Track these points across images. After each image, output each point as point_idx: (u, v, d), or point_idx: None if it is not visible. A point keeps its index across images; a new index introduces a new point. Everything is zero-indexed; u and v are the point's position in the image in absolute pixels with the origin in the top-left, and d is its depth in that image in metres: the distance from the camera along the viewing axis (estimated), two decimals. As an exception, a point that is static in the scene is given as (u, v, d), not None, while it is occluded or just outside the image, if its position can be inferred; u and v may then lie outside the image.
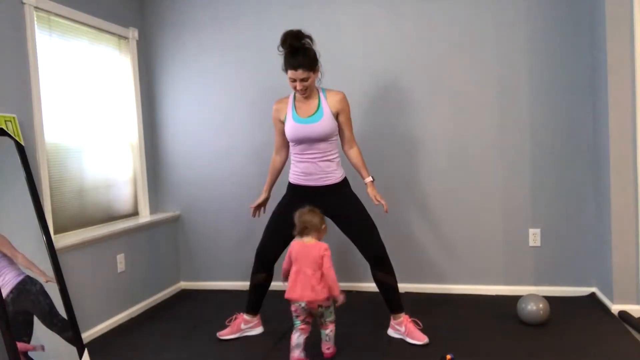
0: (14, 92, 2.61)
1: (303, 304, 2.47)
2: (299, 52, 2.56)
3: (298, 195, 2.77)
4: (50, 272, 2.51)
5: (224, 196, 3.80)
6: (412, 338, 2.63)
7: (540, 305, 2.76)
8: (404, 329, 2.67)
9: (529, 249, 3.35)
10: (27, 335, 2.29)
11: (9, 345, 2.15)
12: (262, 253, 2.81)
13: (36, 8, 2.78)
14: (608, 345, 2.49)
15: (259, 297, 2.85)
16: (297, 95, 2.69)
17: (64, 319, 2.49)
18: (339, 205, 2.73)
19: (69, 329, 2.50)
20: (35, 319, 2.35)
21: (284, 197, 2.85)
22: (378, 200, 2.70)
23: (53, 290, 2.49)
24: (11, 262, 2.33)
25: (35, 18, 2.77)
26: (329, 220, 2.69)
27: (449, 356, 2.37)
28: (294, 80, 2.59)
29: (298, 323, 2.52)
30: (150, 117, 3.87)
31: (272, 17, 3.62)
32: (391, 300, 2.71)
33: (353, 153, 2.79)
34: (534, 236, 3.33)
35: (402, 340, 2.67)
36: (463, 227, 3.42)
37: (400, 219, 3.49)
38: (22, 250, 2.41)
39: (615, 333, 2.65)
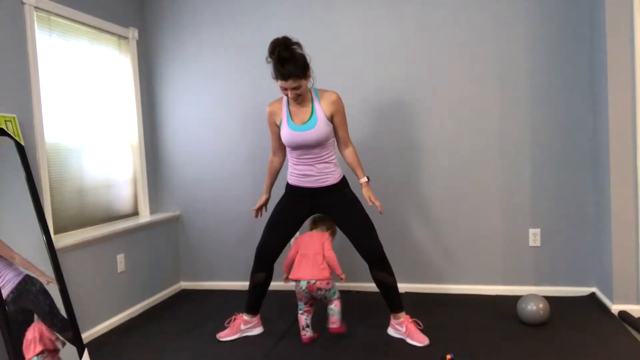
0: (14, 92, 2.61)
1: (304, 287, 2.67)
2: (287, 61, 2.49)
3: (296, 195, 2.78)
4: (50, 272, 2.51)
5: (224, 196, 3.80)
6: (413, 339, 2.63)
7: (540, 305, 2.76)
8: (404, 329, 2.67)
9: (529, 249, 3.35)
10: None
11: (9, 346, 2.15)
12: (262, 253, 2.81)
13: (36, 8, 2.78)
14: (608, 345, 2.49)
15: (258, 297, 2.85)
16: (290, 101, 2.68)
17: (64, 318, 2.49)
18: (337, 205, 2.73)
19: (69, 329, 2.50)
20: (35, 319, 2.35)
21: (283, 197, 2.86)
22: (372, 202, 2.69)
23: (53, 290, 2.49)
24: (10, 262, 2.33)
25: (35, 18, 2.77)
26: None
27: (449, 356, 2.37)
28: (285, 89, 2.57)
29: (302, 305, 2.75)
30: (150, 117, 3.87)
31: (272, 17, 3.62)
32: (391, 299, 2.71)
33: (348, 153, 2.77)
34: (534, 236, 3.33)
35: (402, 340, 2.67)
36: (463, 227, 3.42)
37: (401, 219, 3.49)
38: (22, 250, 2.42)
39: (615, 333, 2.65)
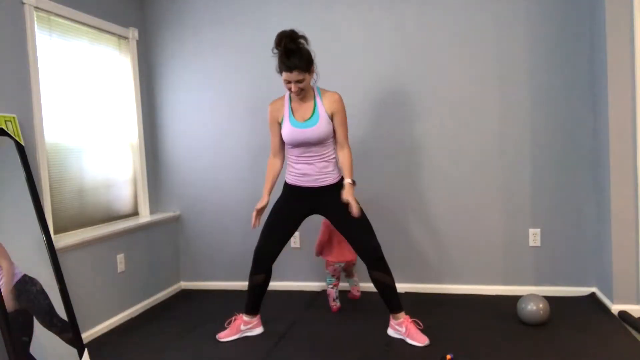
0: (14, 92, 2.61)
1: (343, 264, 3.18)
2: (293, 53, 2.52)
3: (295, 195, 2.78)
4: (50, 272, 2.51)
5: (224, 196, 3.80)
6: (413, 339, 2.63)
7: (540, 305, 2.76)
8: (404, 329, 2.67)
9: (529, 249, 3.35)
10: (27, 335, 2.29)
11: (9, 346, 2.15)
12: (260, 255, 2.79)
13: (36, 8, 2.78)
14: (608, 345, 2.49)
15: (257, 298, 2.85)
16: (292, 95, 2.68)
17: (63, 319, 2.49)
18: (335, 205, 2.72)
19: (68, 329, 2.50)
20: (35, 320, 2.35)
21: (281, 197, 2.85)
22: (350, 202, 2.59)
23: (53, 291, 2.49)
24: (9, 261, 2.32)
25: (35, 18, 2.77)
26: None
27: (449, 356, 2.37)
28: (289, 82, 2.58)
29: (332, 280, 3.20)
30: (150, 117, 3.87)
31: (272, 17, 3.62)
32: (390, 300, 2.71)
33: (343, 155, 2.73)
34: (534, 236, 3.33)
35: (402, 341, 2.67)
36: (463, 227, 3.42)
37: (400, 219, 3.49)
38: (22, 250, 2.42)
39: (615, 333, 2.65)
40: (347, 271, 3.29)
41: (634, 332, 2.65)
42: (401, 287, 3.39)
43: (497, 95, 3.32)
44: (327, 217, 2.80)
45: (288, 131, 2.66)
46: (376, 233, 2.75)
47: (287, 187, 2.83)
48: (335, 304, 3.19)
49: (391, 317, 2.74)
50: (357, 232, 2.70)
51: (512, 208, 3.35)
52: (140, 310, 3.41)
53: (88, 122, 3.23)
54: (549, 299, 2.92)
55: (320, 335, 2.81)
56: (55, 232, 2.87)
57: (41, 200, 2.63)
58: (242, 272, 3.62)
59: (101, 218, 3.32)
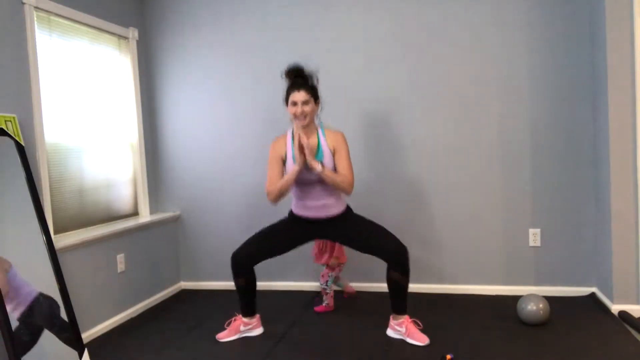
0: (14, 92, 2.61)
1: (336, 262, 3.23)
2: (302, 76, 2.68)
3: (301, 223, 2.81)
4: (50, 272, 2.51)
5: (224, 196, 3.80)
6: (413, 339, 2.63)
7: (540, 305, 2.76)
8: (404, 329, 2.67)
9: (529, 249, 3.35)
10: (32, 341, 2.30)
11: (9, 346, 2.15)
12: (237, 258, 2.77)
13: (36, 8, 2.78)
14: (608, 345, 2.49)
15: (248, 300, 2.84)
16: (295, 129, 2.70)
17: (63, 320, 2.49)
18: (343, 229, 2.76)
19: (68, 330, 2.50)
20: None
21: (286, 220, 2.88)
22: (310, 163, 2.54)
23: (53, 291, 2.49)
24: (22, 280, 2.32)
25: (35, 18, 2.77)
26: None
27: (449, 356, 2.37)
28: (295, 104, 2.61)
29: (332, 275, 3.24)
30: (150, 117, 3.87)
31: (272, 16, 3.62)
32: (398, 301, 2.70)
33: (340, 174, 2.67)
34: (534, 236, 3.33)
35: (401, 341, 2.67)
36: (463, 227, 3.42)
37: (400, 219, 3.48)
38: (22, 250, 2.42)
39: (615, 333, 2.65)
40: (336, 276, 3.25)
41: (634, 332, 2.65)
42: (401, 287, 3.39)
43: (497, 95, 3.32)
44: (337, 242, 2.82)
45: (291, 171, 2.65)
46: (376, 233, 2.75)
47: (293, 215, 2.85)
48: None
49: (391, 317, 2.74)
50: (373, 238, 2.69)
51: (512, 208, 3.35)
52: (140, 310, 3.41)
53: (88, 122, 3.23)
54: (549, 299, 2.92)
55: (320, 335, 2.81)
56: (55, 232, 2.86)
57: (41, 200, 2.63)
58: (242, 272, 3.61)
59: (101, 218, 3.32)
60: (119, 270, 3.25)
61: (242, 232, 3.74)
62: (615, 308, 2.92)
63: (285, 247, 2.87)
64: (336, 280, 3.29)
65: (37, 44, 2.76)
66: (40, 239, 2.52)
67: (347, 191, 2.68)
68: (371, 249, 2.70)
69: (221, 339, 2.82)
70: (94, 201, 3.26)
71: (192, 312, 3.35)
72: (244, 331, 2.86)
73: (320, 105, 2.76)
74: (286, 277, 3.68)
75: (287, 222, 2.87)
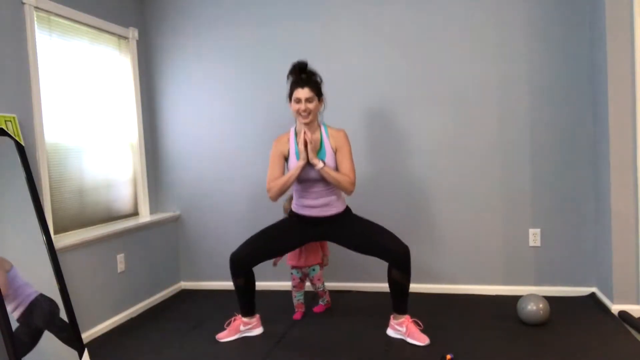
0: (14, 92, 2.61)
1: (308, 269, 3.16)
2: (306, 73, 2.66)
3: (301, 222, 2.80)
4: (50, 272, 2.51)
5: (223, 196, 3.80)
6: (413, 338, 2.63)
7: (540, 305, 2.76)
8: (404, 329, 2.67)
9: (529, 249, 3.35)
10: (32, 343, 2.29)
11: (9, 346, 2.15)
12: (235, 258, 2.77)
13: (36, 8, 2.78)
14: (608, 345, 2.49)
15: (247, 300, 2.84)
16: (298, 127, 2.70)
17: (63, 320, 2.49)
18: (343, 229, 2.76)
19: (68, 330, 2.50)
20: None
21: (286, 220, 2.89)
22: (312, 158, 2.57)
23: (53, 291, 2.49)
24: (22, 281, 2.32)
25: (35, 18, 2.77)
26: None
27: (449, 356, 2.37)
28: (299, 101, 2.61)
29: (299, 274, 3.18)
30: (150, 117, 3.87)
31: (272, 16, 3.62)
32: (399, 300, 2.70)
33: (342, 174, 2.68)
34: (534, 236, 3.33)
35: (402, 341, 2.67)
36: (463, 227, 3.42)
37: (400, 219, 3.48)
38: (22, 250, 2.42)
39: (615, 333, 2.65)
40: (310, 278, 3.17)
41: (634, 332, 2.65)
42: (401, 287, 3.39)
43: (497, 95, 3.32)
44: (336, 242, 2.82)
45: (295, 166, 2.66)
46: (376, 233, 2.75)
47: (293, 214, 2.85)
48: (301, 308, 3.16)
49: (392, 317, 2.74)
50: (375, 240, 2.69)
51: (512, 208, 3.35)
52: (140, 310, 3.41)
53: (88, 122, 3.23)
54: (549, 299, 2.92)
55: (321, 335, 2.81)
56: (55, 232, 2.86)
57: (41, 200, 2.63)
58: (242, 272, 3.61)
59: (101, 218, 3.32)
60: (119, 270, 3.25)
61: (242, 232, 3.74)
62: (615, 308, 2.92)
63: (284, 248, 2.88)
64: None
65: (37, 44, 2.76)
66: (40, 239, 2.52)
67: (348, 190, 2.67)
68: (372, 249, 2.70)
69: (221, 339, 2.82)
70: (94, 201, 3.26)
71: (192, 312, 3.35)
72: (244, 331, 2.86)
73: (323, 103, 2.75)
74: (286, 277, 3.68)
75: (287, 223, 2.87)
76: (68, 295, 2.54)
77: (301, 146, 2.58)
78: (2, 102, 2.54)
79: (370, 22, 3.47)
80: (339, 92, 3.49)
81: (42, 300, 2.39)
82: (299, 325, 2.98)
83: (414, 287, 3.48)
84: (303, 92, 2.61)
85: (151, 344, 2.82)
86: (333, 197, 2.74)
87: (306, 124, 2.66)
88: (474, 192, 3.39)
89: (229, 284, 3.81)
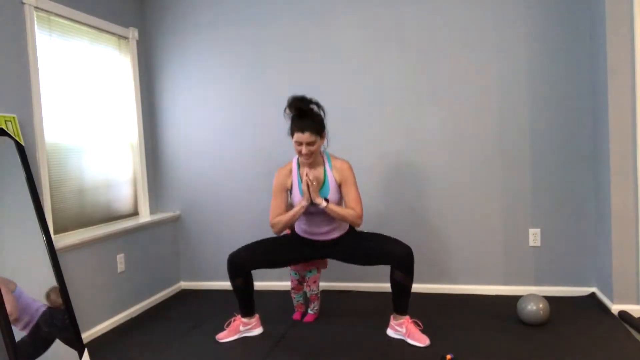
0: (14, 92, 2.61)
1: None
2: (306, 115, 2.57)
3: (304, 242, 2.82)
4: (50, 272, 2.51)
5: (224, 196, 3.80)
6: (413, 339, 2.63)
7: (540, 305, 2.76)
8: (404, 329, 2.67)
9: (529, 249, 3.35)
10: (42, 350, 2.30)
11: (9, 346, 2.15)
12: (234, 260, 2.76)
13: (36, 8, 2.78)
14: (608, 345, 2.49)
15: (246, 300, 2.84)
16: (301, 160, 2.68)
17: (63, 320, 2.49)
18: (345, 248, 2.77)
19: (68, 330, 2.50)
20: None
21: (289, 236, 2.89)
22: (315, 199, 2.55)
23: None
24: (28, 298, 2.32)
25: (35, 18, 2.77)
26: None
27: (449, 356, 2.37)
28: (300, 144, 2.58)
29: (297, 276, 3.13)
30: (150, 117, 3.87)
31: (272, 16, 3.62)
32: (400, 301, 2.69)
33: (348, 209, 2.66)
34: (534, 236, 3.33)
35: (401, 341, 2.67)
36: (463, 227, 3.42)
37: (400, 219, 3.48)
38: (22, 250, 2.42)
39: (615, 333, 2.65)
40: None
41: (634, 332, 2.65)
42: (401, 287, 3.38)
43: (497, 96, 3.32)
44: (341, 260, 2.82)
45: (299, 201, 2.65)
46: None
47: (297, 235, 2.86)
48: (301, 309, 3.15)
49: (392, 317, 2.74)
50: (378, 248, 2.68)
51: (512, 208, 3.35)
52: (140, 310, 3.41)
53: (88, 122, 3.23)
54: (549, 299, 2.92)
55: (321, 335, 2.81)
56: (55, 232, 2.86)
57: (41, 200, 2.63)
58: (242, 272, 3.61)
59: (101, 218, 3.32)
60: (119, 270, 3.25)
61: (241, 232, 3.75)
62: (615, 308, 2.92)
63: (282, 261, 2.89)
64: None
65: (37, 44, 2.76)
66: (40, 239, 2.52)
67: (356, 224, 2.66)
68: (377, 259, 2.69)
69: (221, 339, 2.82)
70: (94, 201, 3.26)
71: (192, 312, 3.35)
72: (244, 331, 2.86)
73: (326, 138, 2.68)
74: (286, 277, 3.68)
75: (290, 240, 2.88)
76: (68, 295, 2.54)
77: (304, 186, 2.56)
78: (2, 102, 2.54)
79: (370, 22, 3.47)
80: (338, 91, 3.49)
81: (50, 313, 2.39)
82: (299, 326, 2.98)
83: (415, 287, 3.47)
84: (304, 137, 2.55)
85: (151, 344, 2.82)
86: (335, 225, 2.74)
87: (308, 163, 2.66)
88: (474, 192, 3.39)
89: (229, 284, 3.81)
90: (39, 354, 2.28)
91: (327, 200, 2.60)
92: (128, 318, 3.28)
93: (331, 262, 3.41)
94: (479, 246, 3.41)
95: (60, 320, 2.44)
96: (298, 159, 2.73)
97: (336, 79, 3.48)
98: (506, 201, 3.36)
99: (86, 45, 3.23)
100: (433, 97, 3.41)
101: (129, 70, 3.66)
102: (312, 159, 2.64)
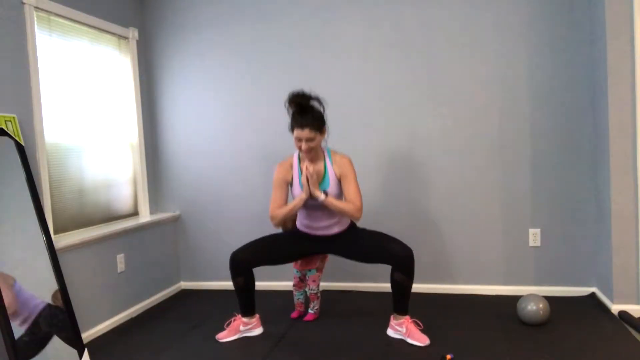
0: (14, 92, 2.61)
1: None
2: (306, 111, 2.58)
3: (305, 238, 2.83)
4: (50, 272, 2.51)
5: (224, 196, 3.80)
6: (413, 339, 2.63)
7: (540, 305, 2.76)
8: (404, 329, 2.67)
9: (529, 249, 3.35)
10: (39, 348, 2.30)
11: (9, 346, 2.15)
12: (236, 258, 2.76)
13: (36, 8, 2.78)
14: (608, 345, 2.49)
15: (247, 300, 2.83)
16: (301, 155, 2.69)
17: (63, 320, 2.49)
18: (346, 244, 2.77)
19: (68, 330, 2.50)
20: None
21: (290, 232, 2.89)
22: (314, 192, 2.56)
23: (53, 291, 2.48)
24: (27, 293, 2.32)
25: (35, 18, 2.77)
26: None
27: (449, 356, 2.37)
28: (300, 140, 2.58)
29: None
30: (150, 117, 3.87)
31: (272, 16, 3.62)
32: (401, 301, 2.69)
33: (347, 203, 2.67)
34: (534, 236, 3.33)
35: (402, 341, 2.67)
36: (463, 227, 3.42)
37: (400, 220, 3.48)
38: (22, 250, 2.42)
39: (615, 333, 2.65)
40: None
41: (634, 332, 2.65)
42: (401, 287, 3.38)
43: (497, 95, 3.32)
44: (341, 256, 2.83)
45: (298, 198, 2.65)
46: (376, 233, 2.75)
47: (298, 230, 2.86)
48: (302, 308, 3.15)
49: (392, 317, 2.74)
50: (379, 247, 2.69)
51: (512, 208, 3.35)
52: (140, 310, 3.41)
53: (88, 122, 3.23)
54: (549, 299, 2.92)
55: (321, 335, 2.81)
56: (55, 232, 2.86)
57: (41, 200, 2.63)
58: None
59: (101, 218, 3.32)
60: (119, 270, 3.25)
61: (242, 232, 3.75)
62: (615, 308, 2.92)
63: (285, 258, 2.90)
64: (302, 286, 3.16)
65: (37, 44, 2.76)
66: (40, 239, 2.52)
67: (355, 217, 2.66)
68: (377, 257, 2.70)
69: (221, 339, 2.82)
70: (94, 201, 3.26)
71: (192, 312, 3.35)
72: (244, 331, 2.86)
73: (326, 133, 2.69)
74: (286, 277, 3.68)
75: (291, 236, 2.89)
76: (68, 295, 2.54)
77: (304, 179, 2.57)
78: (2, 102, 2.54)
79: (371, 21, 3.47)
80: (339, 91, 3.49)
81: (50, 310, 2.39)
82: (299, 326, 2.98)
83: (415, 287, 3.47)
84: (303, 133, 2.56)
85: (151, 344, 2.82)
86: (335, 219, 2.75)
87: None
88: (474, 193, 3.39)
89: (229, 284, 3.82)
90: (38, 351, 2.28)
91: (326, 193, 2.60)
92: (128, 318, 3.28)
93: (331, 262, 3.41)
94: (479, 246, 3.41)
95: (59, 319, 2.43)
96: (299, 154, 2.74)
97: (337, 79, 3.48)
98: (506, 201, 3.36)
99: (86, 45, 3.23)
100: (433, 98, 3.41)
101: (129, 70, 3.66)
102: (313, 154, 2.65)
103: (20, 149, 2.55)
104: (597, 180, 3.16)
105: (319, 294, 3.10)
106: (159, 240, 3.70)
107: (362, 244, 2.75)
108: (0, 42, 2.55)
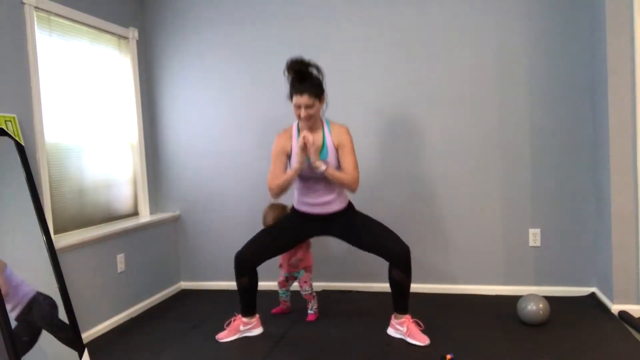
0: (14, 92, 2.61)
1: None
2: (305, 77, 2.56)
3: (303, 219, 2.80)
4: (50, 272, 2.51)
5: (224, 196, 3.80)
6: (414, 339, 2.63)
7: (540, 305, 2.76)
8: (405, 329, 2.67)
9: (529, 249, 3.35)
10: (31, 341, 2.29)
11: (9, 346, 2.15)
12: (241, 258, 2.76)
13: (36, 8, 2.78)
14: (608, 345, 2.49)
15: (249, 300, 2.83)
16: (300, 126, 2.67)
17: (63, 320, 2.49)
18: (345, 224, 2.75)
19: (68, 330, 2.50)
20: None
21: (289, 217, 2.88)
22: (315, 162, 2.53)
23: (53, 291, 2.48)
24: (18, 279, 2.32)
25: (35, 18, 2.77)
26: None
27: (449, 356, 2.37)
28: (299, 107, 2.56)
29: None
30: (150, 117, 3.87)
31: (272, 16, 3.62)
32: (400, 300, 2.70)
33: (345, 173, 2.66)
34: (534, 236, 3.33)
35: (402, 340, 2.67)
36: (463, 227, 3.42)
37: (400, 219, 3.48)
38: (22, 250, 2.42)
39: (615, 333, 2.65)
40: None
41: (634, 332, 2.65)
42: (401, 287, 3.38)
43: (497, 95, 3.32)
44: (338, 238, 2.81)
45: (293, 169, 2.64)
46: (376, 233, 2.75)
47: (296, 211, 2.84)
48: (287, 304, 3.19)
49: (393, 317, 2.74)
50: (377, 238, 2.69)
51: (512, 208, 3.35)
52: (140, 310, 3.41)
53: (88, 122, 3.23)
54: (549, 299, 2.92)
55: (321, 335, 2.81)
56: (55, 232, 2.86)
57: (41, 200, 2.63)
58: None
59: (101, 218, 3.32)
60: (119, 270, 3.25)
61: (242, 232, 3.74)
62: (615, 308, 2.92)
63: (288, 244, 2.88)
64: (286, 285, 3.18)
65: (37, 44, 2.76)
66: (40, 239, 2.52)
67: (352, 188, 2.65)
68: (374, 247, 2.70)
69: (221, 339, 2.82)
70: (94, 201, 3.26)
71: (192, 312, 3.35)
72: (244, 331, 2.86)
73: (325, 100, 2.68)
74: (286, 277, 3.69)
75: (290, 219, 2.87)
76: (68, 295, 2.54)
77: (298, 149, 2.52)
78: (2, 102, 2.54)
79: (371, 21, 3.47)
80: (339, 91, 3.49)
81: (40, 298, 2.39)
82: (299, 326, 2.98)
83: (415, 287, 3.48)
84: (302, 100, 2.54)
85: (151, 344, 2.82)
86: (334, 195, 2.73)
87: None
88: (474, 192, 3.39)
89: (228, 284, 3.83)
90: (32, 342, 2.28)
91: (326, 163, 2.58)
92: (128, 318, 3.28)
93: (332, 262, 3.42)
94: (479, 246, 3.41)
95: (48, 307, 2.41)
96: (298, 124, 2.71)
97: (337, 78, 3.48)
98: (506, 201, 3.36)
99: (86, 45, 3.23)
100: (433, 98, 3.41)
101: (129, 70, 3.66)
102: (312, 122, 2.62)
103: (20, 149, 2.55)
104: (597, 180, 3.16)
105: (314, 294, 3.09)
106: (159, 240, 3.70)
107: (360, 230, 2.73)
108: (0, 42, 2.55)
